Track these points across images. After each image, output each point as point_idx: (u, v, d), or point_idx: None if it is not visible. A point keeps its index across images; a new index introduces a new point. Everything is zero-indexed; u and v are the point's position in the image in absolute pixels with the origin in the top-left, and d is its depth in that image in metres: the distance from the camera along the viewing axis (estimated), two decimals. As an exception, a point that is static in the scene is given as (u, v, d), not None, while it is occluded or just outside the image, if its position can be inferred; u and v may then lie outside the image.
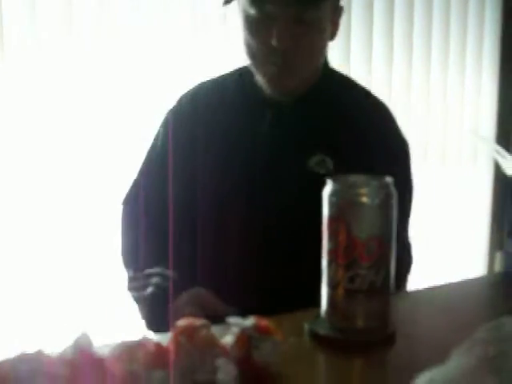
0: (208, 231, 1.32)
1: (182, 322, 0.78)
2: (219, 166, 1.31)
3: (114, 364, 0.74)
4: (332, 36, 1.27)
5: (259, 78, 1.27)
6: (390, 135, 1.33)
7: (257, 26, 1.20)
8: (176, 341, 0.77)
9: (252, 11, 1.18)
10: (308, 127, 1.28)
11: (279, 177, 1.26)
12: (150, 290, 1.22)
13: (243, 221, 1.28)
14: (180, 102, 1.40)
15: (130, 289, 1.29)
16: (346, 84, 1.37)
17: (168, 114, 1.41)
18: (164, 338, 0.79)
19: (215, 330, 0.79)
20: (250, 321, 0.79)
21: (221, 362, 0.77)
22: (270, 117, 1.29)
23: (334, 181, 0.90)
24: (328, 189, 0.90)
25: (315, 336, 0.92)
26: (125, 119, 2.10)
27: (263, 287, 1.23)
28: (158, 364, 0.76)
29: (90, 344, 0.74)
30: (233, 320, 0.80)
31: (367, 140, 1.26)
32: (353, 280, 0.88)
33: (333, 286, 0.90)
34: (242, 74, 1.34)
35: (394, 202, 0.90)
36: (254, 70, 1.27)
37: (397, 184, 1.18)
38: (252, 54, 1.24)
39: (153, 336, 0.80)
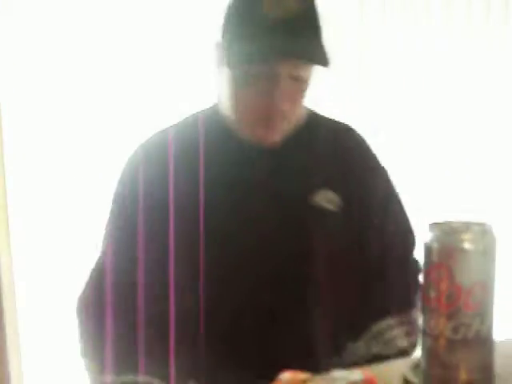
0: (218, 301, 1.19)
1: (285, 376, 0.76)
2: (221, 225, 1.19)
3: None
4: None
5: (241, 130, 1.21)
6: (372, 158, 1.33)
7: (255, 84, 1.13)
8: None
9: (250, 68, 1.12)
10: (303, 165, 1.23)
11: (289, 222, 1.21)
12: None
13: (256, 283, 1.20)
14: (145, 153, 1.25)
15: None
16: (318, 119, 1.32)
17: (128, 169, 1.25)
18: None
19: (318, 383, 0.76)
20: (356, 374, 0.76)
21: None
22: (262, 162, 1.22)
23: (434, 227, 0.87)
24: (428, 235, 0.87)
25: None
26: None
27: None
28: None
29: None
30: (337, 373, 0.77)
31: (359, 168, 1.28)
32: (456, 330, 0.85)
33: (434, 337, 0.87)
34: (211, 119, 1.25)
35: (497, 246, 0.87)
36: (236, 122, 1.21)
37: (393, 196, 1.33)
38: (241, 110, 1.17)
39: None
